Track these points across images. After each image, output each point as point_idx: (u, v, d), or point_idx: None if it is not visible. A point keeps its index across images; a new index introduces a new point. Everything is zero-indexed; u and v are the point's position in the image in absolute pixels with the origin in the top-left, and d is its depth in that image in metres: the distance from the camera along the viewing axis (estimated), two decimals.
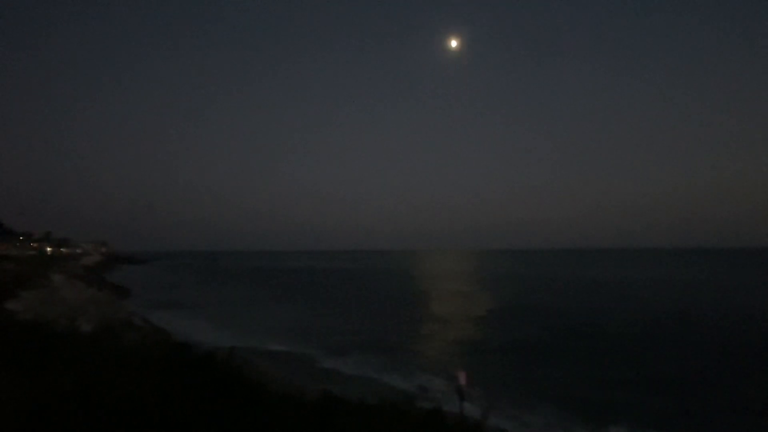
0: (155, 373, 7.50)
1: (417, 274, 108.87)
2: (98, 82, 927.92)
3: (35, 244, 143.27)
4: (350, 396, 9.70)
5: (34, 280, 39.03)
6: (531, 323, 36.77)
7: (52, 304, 29.12)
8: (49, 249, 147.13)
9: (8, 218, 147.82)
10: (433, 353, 27.68)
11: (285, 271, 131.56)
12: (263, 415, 6.59)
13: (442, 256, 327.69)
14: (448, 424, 7.87)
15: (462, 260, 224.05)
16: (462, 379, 12.33)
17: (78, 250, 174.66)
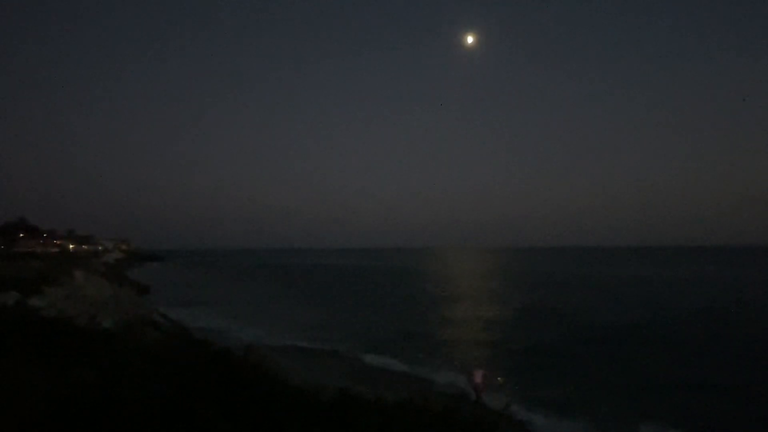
0: (174, 369, 7.60)
1: (438, 272, 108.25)
2: (121, 84, 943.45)
3: (58, 242, 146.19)
4: (367, 393, 9.72)
5: (57, 276, 39.70)
6: (554, 323, 36.31)
7: (74, 301, 29.62)
8: (71, 246, 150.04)
9: (33, 216, 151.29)
10: (454, 351, 27.57)
11: (305, 269, 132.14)
12: (280, 412, 6.63)
13: (460, 253, 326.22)
14: (464, 421, 7.83)
15: (481, 258, 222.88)
16: (479, 377, 12.29)
17: (100, 248, 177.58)
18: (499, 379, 20.57)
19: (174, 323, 31.62)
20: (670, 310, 42.37)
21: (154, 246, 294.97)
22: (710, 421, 16.80)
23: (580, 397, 19.23)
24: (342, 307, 47.48)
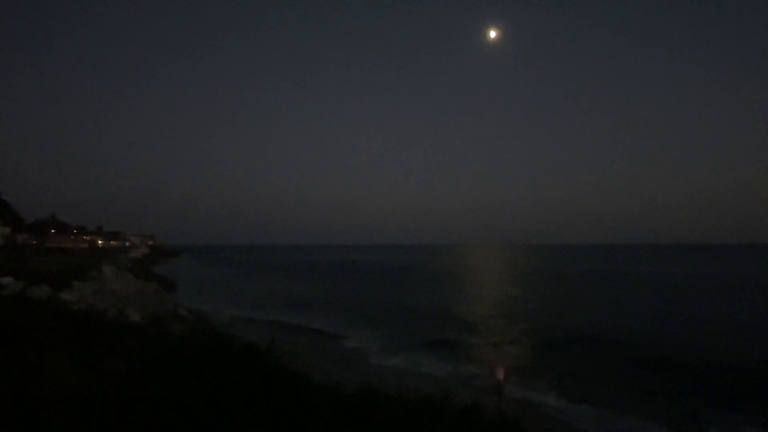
0: (199, 362, 7.73)
1: (459, 269, 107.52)
2: (141, 84, 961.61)
3: (88, 237, 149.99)
4: (389, 389, 9.73)
5: (86, 271, 40.76)
6: (581, 321, 35.69)
7: (102, 295, 30.38)
8: (100, 242, 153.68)
9: (63, 213, 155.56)
10: (475, 347, 27.43)
11: (327, 265, 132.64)
12: (302, 406, 6.69)
13: (480, 250, 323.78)
14: (487, 418, 7.79)
15: (501, 255, 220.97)
16: (501, 374, 12.22)
17: (127, 243, 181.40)
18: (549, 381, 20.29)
19: (199, 317, 32.15)
20: (703, 306, 41.46)
21: (176, 242, 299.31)
22: None
23: (620, 393, 18.86)
24: (362, 303, 47.60)
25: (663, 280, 73.36)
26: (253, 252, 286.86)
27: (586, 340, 28.68)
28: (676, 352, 25.62)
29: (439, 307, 43.63)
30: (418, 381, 20.32)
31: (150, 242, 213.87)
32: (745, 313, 37.94)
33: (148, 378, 6.25)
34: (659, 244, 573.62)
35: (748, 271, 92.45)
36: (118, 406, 5.33)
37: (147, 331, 12.31)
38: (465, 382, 20.37)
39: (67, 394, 5.59)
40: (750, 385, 19.77)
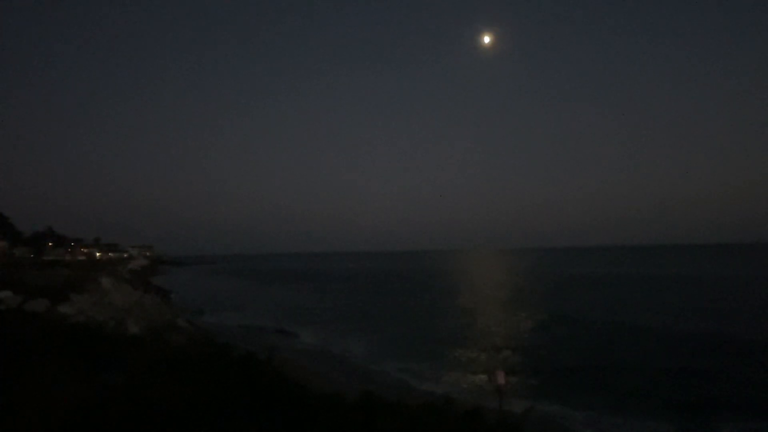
0: (199, 373, 7.72)
1: (466, 275, 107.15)
2: (140, 93, 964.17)
3: (86, 250, 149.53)
4: (389, 397, 9.72)
5: (84, 284, 40.62)
6: (579, 325, 35.52)
7: (101, 307, 30.28)
8: (98, 254, 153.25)
9: (60, 225, 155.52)
10: (475, 354, 27.30)
11: (325, 273, 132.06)
12: (303, 415, 6.68)
13: (480, 255, 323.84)
14: (488, 423, 7.79)
15: (500, 259, 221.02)
16: (501, 378, 12.20)
17: (125, 255, 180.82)
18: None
19: (198, 328, 32.06)
20: (705, 308, 41.45)
21: (174, 252, 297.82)
22: None
23: (624, 398, 18.68)
24: (361, 311, 47.51)
25: (666, 282, 73.30)
26: (251, 261, 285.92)
27: (588, 344, 28.60)
28: (679, 354, 25.56)
29: (438, 313, 43.52)
30: (419, 387, 20.33)
31: (148, 253, 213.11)
32: (753, 314, 37.88)
33: (147, 390, 6.24)
34: (666, 245, 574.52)
35: (754, 270, 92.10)
36: (118, 419, 5.32)
37: (146, 343, 12.29)
38: (466, 388, 20.35)
39: (67, 407, 5.57)
40: (755, 388, 19.72)
